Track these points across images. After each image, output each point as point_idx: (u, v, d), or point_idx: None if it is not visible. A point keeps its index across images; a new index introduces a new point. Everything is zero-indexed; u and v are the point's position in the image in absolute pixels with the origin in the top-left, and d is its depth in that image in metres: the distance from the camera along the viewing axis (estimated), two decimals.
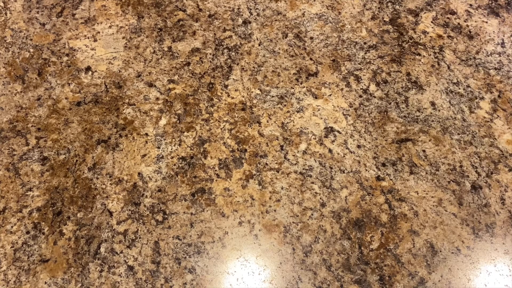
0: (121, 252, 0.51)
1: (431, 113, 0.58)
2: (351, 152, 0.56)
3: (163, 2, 0.66)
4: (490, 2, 0.66)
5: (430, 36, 0.63)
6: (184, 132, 0.57)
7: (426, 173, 0.54)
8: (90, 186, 0.54)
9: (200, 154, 0.56)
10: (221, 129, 0.57)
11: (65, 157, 0.56)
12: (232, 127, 0.57)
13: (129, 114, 0.58)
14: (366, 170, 0.54)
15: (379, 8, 0.66)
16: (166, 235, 0.52)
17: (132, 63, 0.62)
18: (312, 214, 0.52)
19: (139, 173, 0.55)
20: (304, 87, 0.59)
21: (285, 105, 0.58)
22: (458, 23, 0.64)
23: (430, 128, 0.57)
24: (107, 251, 0.51)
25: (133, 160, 0.56)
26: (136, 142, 0.57)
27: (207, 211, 0.53)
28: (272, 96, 0.59)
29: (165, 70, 0.61)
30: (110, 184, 0.54)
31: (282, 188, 0.53)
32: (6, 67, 0.62)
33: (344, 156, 0.55)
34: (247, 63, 0.61)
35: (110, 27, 0.64)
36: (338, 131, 0.57)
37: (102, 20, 0.65)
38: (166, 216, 0.53)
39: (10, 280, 0.50)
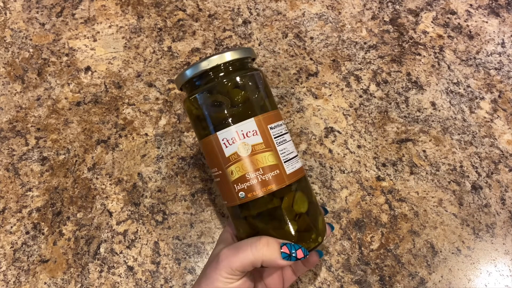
0: (121, 252, 0.51)
1: (431, 113, 0.58)
2: (351, 152, 0.55)
3: (163, 2, 0.66)
4: (490, 2, 0.66)
5: (430, 36, 0.63)
6: (184, 132, 0.57)
7: (427, 173, 0.54)
8: (89, 186, 0.54)
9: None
10: None
11: (64, 157, 0.56)
12: None
13: (128, 114, 0.58)
14: (366, 170, 0.54)
15: (379, 8, 0.66)
16: (166, 236, 0.52)
17: (132, 63, 0.62)
18: None
19: (138, 173, 0.55)
20: (304, 87, 0.59)
21: (285, 105, 0.58)
22: (458, 23, 0.64)
23: (431, 128, 0.57)
24: (106, 251, 0.51)
25: (133, 160, 0.55)
26: (135, 142, 0.57)
27: (207, 211, 0.53)
28: None
29: (165, 70, 0.61)
30: (109, 184, 0.54)
31: None
32: (5, 67, 0.62)
33: (344, 156, 0.55)
34: None
35: (109, 27, 0.64)
36: (338, 131, 0.57)
37: (102, 20, 0.65)
38: (166, 217, 0.52)
39: (9, 281, 0.50)
